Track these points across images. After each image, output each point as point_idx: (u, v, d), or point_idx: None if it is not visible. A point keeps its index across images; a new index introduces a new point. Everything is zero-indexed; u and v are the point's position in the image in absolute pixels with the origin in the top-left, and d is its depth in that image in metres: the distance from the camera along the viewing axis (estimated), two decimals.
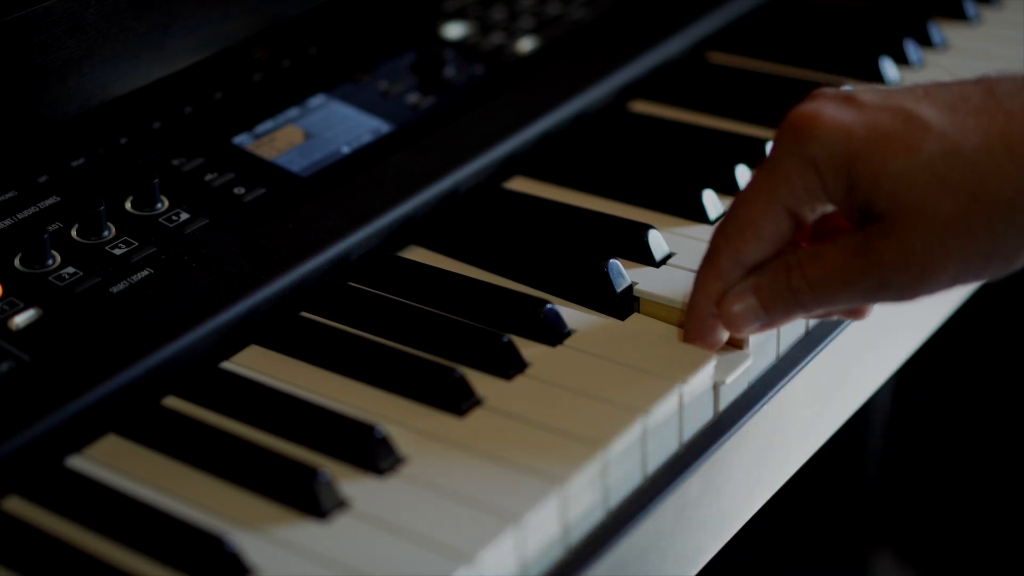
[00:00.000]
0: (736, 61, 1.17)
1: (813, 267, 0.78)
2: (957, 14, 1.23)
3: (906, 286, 0.76)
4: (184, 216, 0.90)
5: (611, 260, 0.88)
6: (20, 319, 0.81)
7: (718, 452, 0.81)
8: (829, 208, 0.79)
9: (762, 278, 0.79)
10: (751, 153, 1.00)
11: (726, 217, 0.80)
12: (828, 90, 0.79)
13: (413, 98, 1.05)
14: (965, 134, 0.75)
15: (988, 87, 0.77)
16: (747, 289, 0.79)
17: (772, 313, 0.79)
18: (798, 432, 0.90)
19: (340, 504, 0.72)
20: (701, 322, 0.82)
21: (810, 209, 0.78)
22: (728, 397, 0.84)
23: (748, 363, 0.83)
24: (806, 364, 0.88)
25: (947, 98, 0.77)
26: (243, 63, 1.05)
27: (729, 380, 0.82)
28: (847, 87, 0.80)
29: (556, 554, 0.74)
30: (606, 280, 0.87)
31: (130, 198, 0.91)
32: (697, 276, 0.81)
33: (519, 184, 1.01)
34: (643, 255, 0.90)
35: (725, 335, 0.83)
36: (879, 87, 0.80)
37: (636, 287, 0.88)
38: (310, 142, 0.99)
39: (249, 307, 0.85)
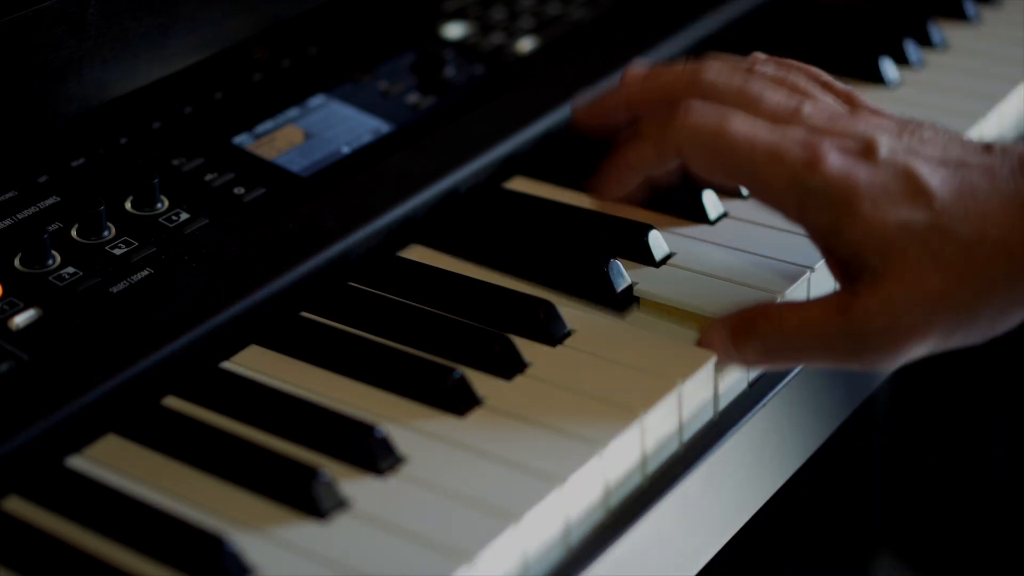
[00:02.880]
0: None
1: (792, 318, 0.79)
2: (957, 14, 1.23)
3: (883, 351, 0.77)
4: (184, 216, 0.90)
5: (611, 260, 0.88)
6: (20, 319, 0.81)
7: (718, 452, 0.81)
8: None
9: (738, 319, 0.81)
10: None
11: (706, 116, 0.81)
12: (853, 127, 0.80)
13: (413, 98, 1.05)
14: (965, 216, 0.76)
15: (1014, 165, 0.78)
16: (724, 324, 0.81)
17: (742, 353, 0.80)
18: (798, 431, 0.90)
19: (340, 504, 0.72)
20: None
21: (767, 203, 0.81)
22: (728, 397, 0.84)
23: None
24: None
25: (963, 170, 0.78)
26: (243, 63, 1.05)
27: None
28: (877, 127, 0.80)
29: (556, 554, 0.74)
30: (606, 280, 0.87)
31: (130, 198, 0.91)
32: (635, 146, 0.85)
33: (519, 184, 1.01)
34: (643, 255, 0.90)
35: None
36: (905, 134, 0.80)
37: (636, 287, 0.88)
38: (310, 142, 0.99)
39: (249, 307, 0.85)
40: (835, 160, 0.77)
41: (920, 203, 0.76)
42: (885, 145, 0.78)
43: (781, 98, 0.83)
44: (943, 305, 0.75)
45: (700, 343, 0.82)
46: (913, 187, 0.76)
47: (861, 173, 0.77)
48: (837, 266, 0.80)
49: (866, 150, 0.78)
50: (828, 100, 0.85)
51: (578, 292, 0.88)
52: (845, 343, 0.77)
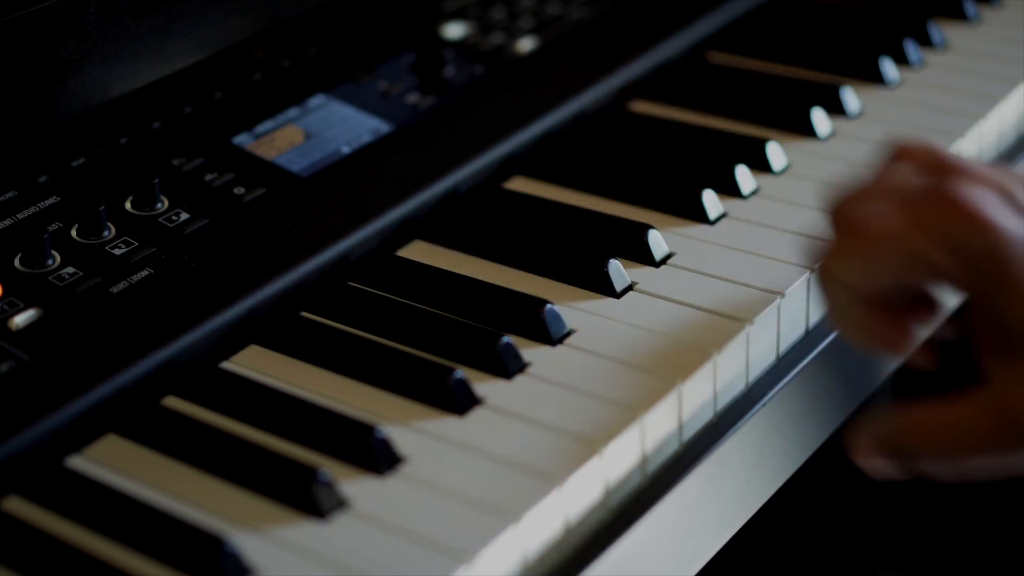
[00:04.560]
0: (736, 61, 1.17)
1: (942, 429, 0.71)
2: (957, 14, 1.23)
3: None
4: (184, 216, 0.90)
5: (611, 260, 0.88)
6: (20, 319, 0.81)
7: (718, 452, 0.81)
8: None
9: (884, 439, 0.73)
10: (751, 153, 1.00)
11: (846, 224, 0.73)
12: (990, 175, 0.72)
13: (413, 98, 1.05)
14: None
15: None
16: (871, 440, 0.74)
17: (901, 468, 0.73)
18: (798, 431, 0.90)
19: (340, 504, 0.72)
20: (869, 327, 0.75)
21: (922, 285, 0.74)
22: (728, 397, 0.84)
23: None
24: (806, 364, 0.88)
25: None
26: (243, 63, 1.05)
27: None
28: (1001, 172, 0.73)
29: (556, 554, 0.74)
30: (606, 280, 0.87)
31: (130, 198, 0.91)
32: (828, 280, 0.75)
33: (519, 184, 1.01)
34: (643, 255, 0.90)
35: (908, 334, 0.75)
36: None
37: (636, 287, 0.88)
38: (310, 142, 0.99)
39: (249, 307, 0.85)
40: (988, 212, 0.69)
41: None
42: None
43: None
44: None
45: (848, 446, 0.74)
46: None
47: (1012, 224, 0.69)
48: (990, 340, 0.71)
49: (1012, 200, 0.70)
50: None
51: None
52: (1007, 442, 0.69)
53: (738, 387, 0.85)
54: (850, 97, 1.08)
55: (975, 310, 0.72)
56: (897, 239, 0.71)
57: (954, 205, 0.70)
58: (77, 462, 0.76)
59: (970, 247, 0.69)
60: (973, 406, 0.70)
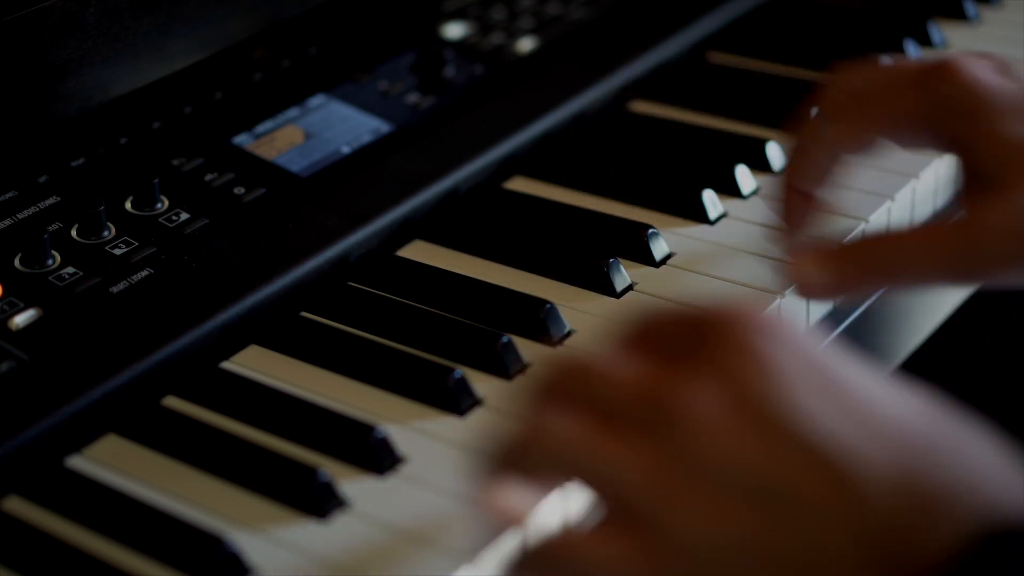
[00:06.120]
0: (736, 61, 1.17)
1: (910, 233, 0.77)
2: (957, 14, 1.23)
3: (1002, 260, 0.75)
4: (184, 216, 0.90)
5: (611, 260, 0.88)
6: (20, 319, 0.81)
7: None
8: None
9: (847, 244, 0.78)
10: (751, 153, 1.00)
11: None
12: (988, 58, 0.80)
13: (413, 98, 1.05)
14: None
15: None
16: (828, 256, 0.78)
17: (844, 271, 0.77)
18: None
19: (340, 504, 0.72)
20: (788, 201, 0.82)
21: (899, 137, 0.79)
22: None
23: None
24: None
25: None
26: (243, 63, 1.05)
27: None
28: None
29: None
30: (607, 280, 0.87)
31: (130, 198, 0.91)
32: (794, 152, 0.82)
33: (519, 184, 1.01)
34: (643, 255, 0.90)
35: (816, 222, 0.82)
36: None
37: (636, 287, 0.88)
38: (310, 142, 0.99)
39: (249, 307, 0.85)
40: (974, 70, 0.77)
41: None
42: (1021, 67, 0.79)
43: None
44: None
45: (794, 270, 0.78)
46: None
47: (996, 81, 0.77)
48: (967, 187, 0.78)
49: (1002, 70, 0.79)
50: None
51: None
52: (964, 251, 0.75)
53: None
54: None
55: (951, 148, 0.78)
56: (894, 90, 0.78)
57: (941, 68, 0.78)
58: (77, 462, 0.76)
59: (948, 95, 0.77)
60: (942, 223, 0.76)
